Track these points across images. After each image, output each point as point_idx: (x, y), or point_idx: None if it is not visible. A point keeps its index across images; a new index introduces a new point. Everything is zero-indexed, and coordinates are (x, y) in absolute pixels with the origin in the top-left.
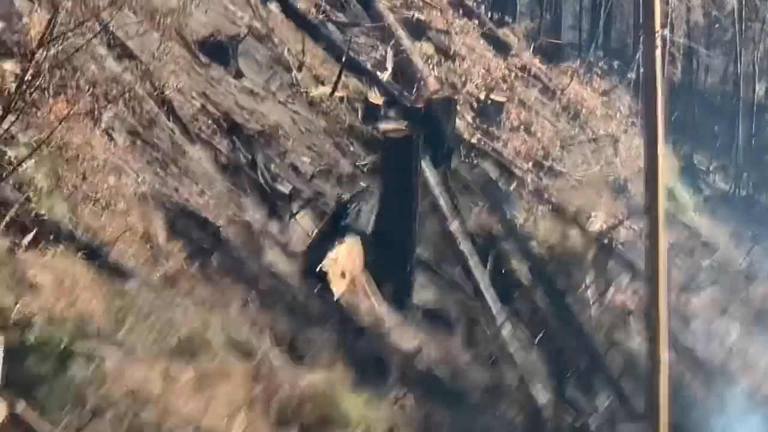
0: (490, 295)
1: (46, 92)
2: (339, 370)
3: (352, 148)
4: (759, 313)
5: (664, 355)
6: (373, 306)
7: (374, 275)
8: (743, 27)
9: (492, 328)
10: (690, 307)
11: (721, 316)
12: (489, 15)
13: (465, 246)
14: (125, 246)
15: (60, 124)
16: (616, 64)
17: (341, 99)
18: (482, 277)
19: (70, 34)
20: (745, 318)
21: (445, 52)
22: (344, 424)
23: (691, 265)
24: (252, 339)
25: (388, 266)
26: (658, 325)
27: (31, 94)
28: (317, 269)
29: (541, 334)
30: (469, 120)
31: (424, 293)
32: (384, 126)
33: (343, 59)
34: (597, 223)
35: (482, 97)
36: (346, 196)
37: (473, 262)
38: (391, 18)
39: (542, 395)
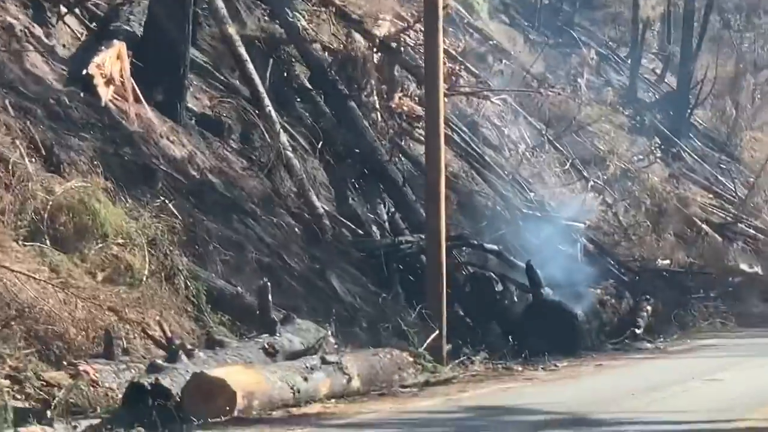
0: (268, 101)
1: None
2: (100, 179)
3: None
4: (552, 119)
5: (442, 160)
6: (141, 112)
7: (144, 80)
8: None
9: (270, 134)
10: (482, 113)
11: (514, 121)
12: None
13: (243, 50)
14: None
15: None
16: None
17: None
18: (261, 82)
19: None
20: (539, 124)
21: None
22: (101, 235)
23: (483, 69)
24: (5, 146)
25: (160, 71)
26: (437, 131)
27: None
28: (83, 73)
29: (321, 141)
30: None
31: (198, 99)
32: None
33: None
34: (384, 27)
35: None
36: None
37: (252, 66)
38: None
39: (322, 204)
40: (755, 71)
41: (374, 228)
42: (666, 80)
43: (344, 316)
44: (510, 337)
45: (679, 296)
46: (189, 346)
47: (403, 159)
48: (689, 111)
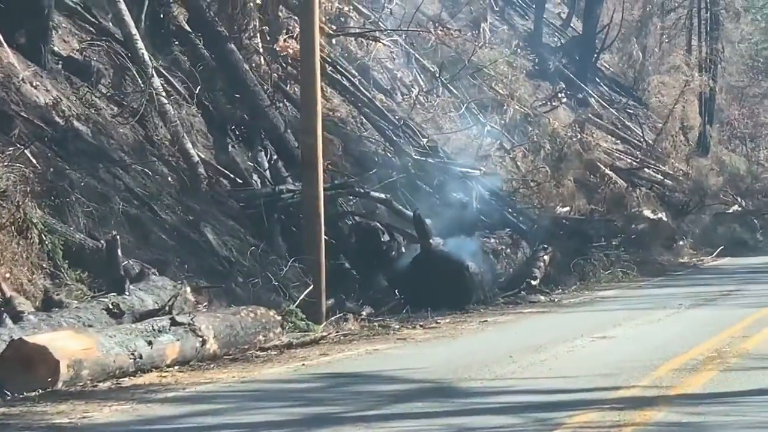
0: (142, 44)
1: None
2: None
3: None
4: (447, 62)
5: (318, 101)
6: (2, 56)
7: (5, 22)
8: None
9: (143, 79)
10: (372, 55)
11: (408, 65)
12: None
13: None
14: None
15: None
16: None
17: None
18: (135, 24)
19: None
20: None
21: None
22: None
23: (376, 10)
24: None
25: (22, 12)
26: (312, 70)
27: None
28: None
29: (199, 86)
30: None
31: (66, 42)
32: None
33: None
34: None
35: None
36: None
37: (125, 7)
38: None
39: (198, 152)
40: (662, 14)
41: (255, 177)
42: (572, 25)
43: (219, 270)
44: (396, 291)
45: (579, 245)
46: (20, 308)
47: (287, 104)
48: (595, 56)
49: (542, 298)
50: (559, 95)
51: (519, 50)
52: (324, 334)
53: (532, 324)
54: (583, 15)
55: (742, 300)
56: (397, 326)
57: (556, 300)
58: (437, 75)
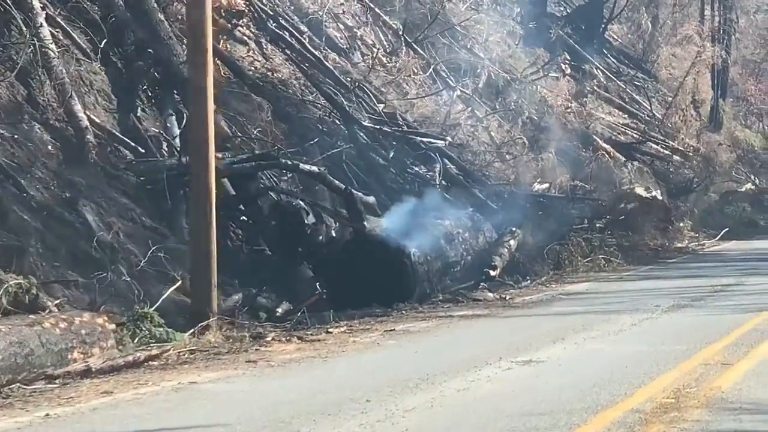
0: None
1: None
2: None
3: None
4: (414, 22)
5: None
6: None
7: None
8: None
9: (31, 30)
10: (326, 10)
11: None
12: None
13: None
14: None
15: None
16: None
17: None
18: None
19: None
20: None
21: None
22: None
23: None
24: None
25: None
26: (202, 13)
27: None
28: None
29: (106, 40)
30: None
31: None
32: None
33: None
34: None
35: None
36: None
37: None
38: None
39: (94, 116)
40: None
41: (164, 146)
42: None
43: (96, 259)
44: (318, 284)
45: (556, 227)
46: None
47: (217, 62)
48: (603, 26)
49: (490, 295)
50: (562, 65)
51: (514, 17)
52: (170, 349)
53: (449, 336)
54: None
55: (738, 299)
56: (270, 338)
57: (507, 298)
58: (400, 33)
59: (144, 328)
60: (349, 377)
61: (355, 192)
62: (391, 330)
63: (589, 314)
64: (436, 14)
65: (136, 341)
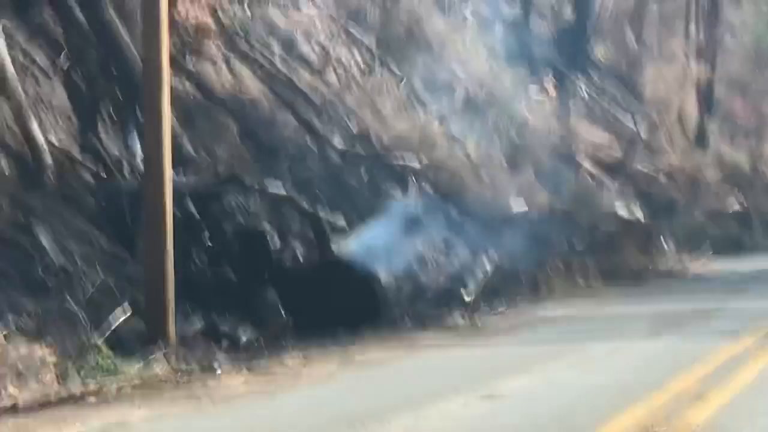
0: None
1: None
2: None
3: None
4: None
5: (165, 61)
6: None
7: None
8: None
9: None
10: (299, 28)
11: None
12: None
13: None
14: None
15: None
16: None
17: None
18: None
19: None
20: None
21: None
22: None
23: None
24: None
25: None
26: (155, 17)
27: None
28: None
29: (69, 59)
30: None
31: None
32: None
33: None
34: None
35: None
36: None
37: None
38: None
39: (53, 137)
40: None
41: (125, 167)
42: (563, 12)
43: (48, 285)
44: (283, 310)
45: (534, 249)
46: None
47: (185, 82)
48: (588, 44)
49: (461, 321)
50: (546, 85)
51: (496, 36)
52: (112, 383)
53: (410, 367)
54: (576, 3)
55: (720, 323)
56: (220, 370)
57: (479, 324)
58: (374, 51)
59: (90, 360)
60: (292, 415)
61: (322, 214)
62: (349, 361)
63: (561, 342)
64: (412, 32)
65: (81, 374)
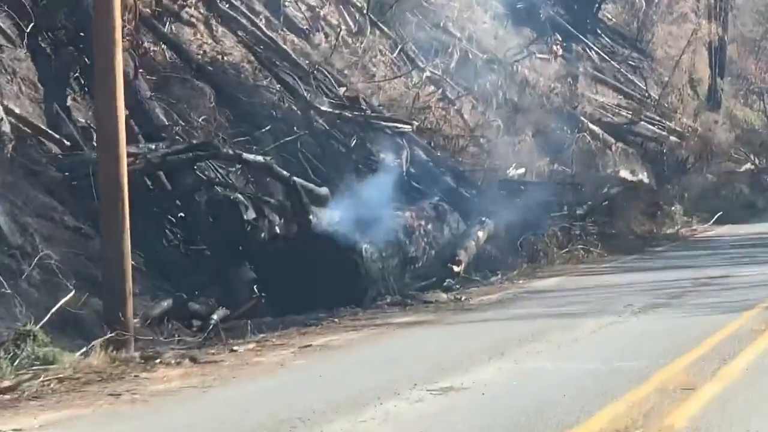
0: None
1: None
2: None
3: None
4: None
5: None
6: None
7: None
8: None
9: None
10: None
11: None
12: None
13: None
14: None
15: None
16: None
17: None
18: None
19: None
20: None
21: None
22: None
23: None
24: None
25: None
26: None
27: None
28: None
29: (33, 24)
30: None
31: None
32: None
33: None
34: None
35: None
36: None
37: None
38: None
39: (15, 106)
40: None
41: (95, 138)
42: None
43: (8, 266)
44: (256, 287)
45: (532, 216)
46: None
47: (162, 47)
48: (596, 5)
49: (444, 296)
50: (554, 47)
51: None
52: (31, 378)
53: (371, 353)
54: None
55: (724, 295)
56: (159, 360)
57: (462, 299)
58: (365, 12)
59: (26, 350)
60: (216, 417)
61: (301, 182)
62: (307, 346)
63: (547, 318)
64: None
65: (15, 364)
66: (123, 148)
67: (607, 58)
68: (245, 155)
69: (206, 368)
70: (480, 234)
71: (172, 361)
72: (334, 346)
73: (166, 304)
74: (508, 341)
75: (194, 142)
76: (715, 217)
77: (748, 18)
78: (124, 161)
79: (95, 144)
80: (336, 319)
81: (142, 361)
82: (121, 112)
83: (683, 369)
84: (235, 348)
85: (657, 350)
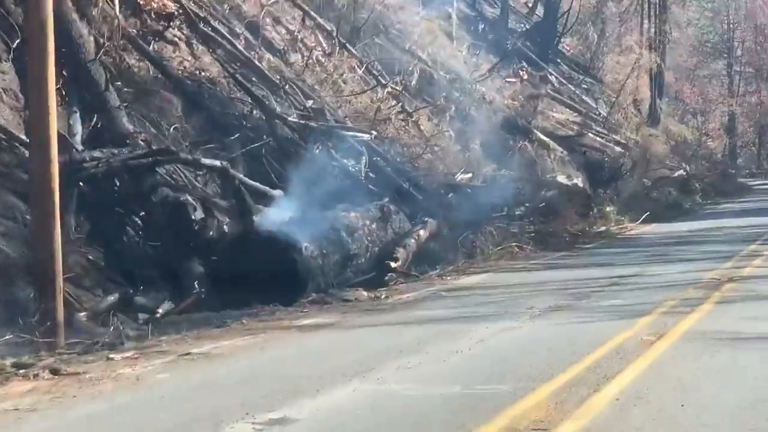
0: None
1: None
2: None
3: None
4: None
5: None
6: None
7: None
8: None
9: None
10: (263, 13)
11: (311, 26)
12: None
13: None
14: None
15: None
16: None
17: None
18: None
19: None
20: (329, 26)
21: None
22: None
23: None
24: None
25: None
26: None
27: None
28: None
29: (18, 41)
30: None
31: None
32: None
33: None
34: None
35: None
36: None
37: None
38: None
39: None
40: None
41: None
42: (537, 12)
43: None
44: (209, 281)
45: (474, 216)
46: None
47: (147, 63)
48: (557, 38)
49: (364, 294)
50: (520, 72)
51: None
52: None
53: (241, 366)
54: (546, 2)
55: (629, 296)
56: (23, 370)
57: (382, 297)
58: (335, 35)
59: None
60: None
61: (256, 186)
62: (187, 354)
63: (446, 322)
64: (370, 18)
65: None
66: (55, 152)
67: (564, 82)
68: (203, 160)
69: (61, 382)
70: (421, 233)
71: (31, 374)
72: (214, 355)
73: (113, 298)
74: (387, 353)
75: (154, 147)
76: (642, 216)
77: (684, 50)
78: (56, 164)
79: (28, 147)
80: (244, 320)
81: (15, 368)
82: (53, 118)
83: (547, 397)
84: (111, 356)
85: (529, 370)
